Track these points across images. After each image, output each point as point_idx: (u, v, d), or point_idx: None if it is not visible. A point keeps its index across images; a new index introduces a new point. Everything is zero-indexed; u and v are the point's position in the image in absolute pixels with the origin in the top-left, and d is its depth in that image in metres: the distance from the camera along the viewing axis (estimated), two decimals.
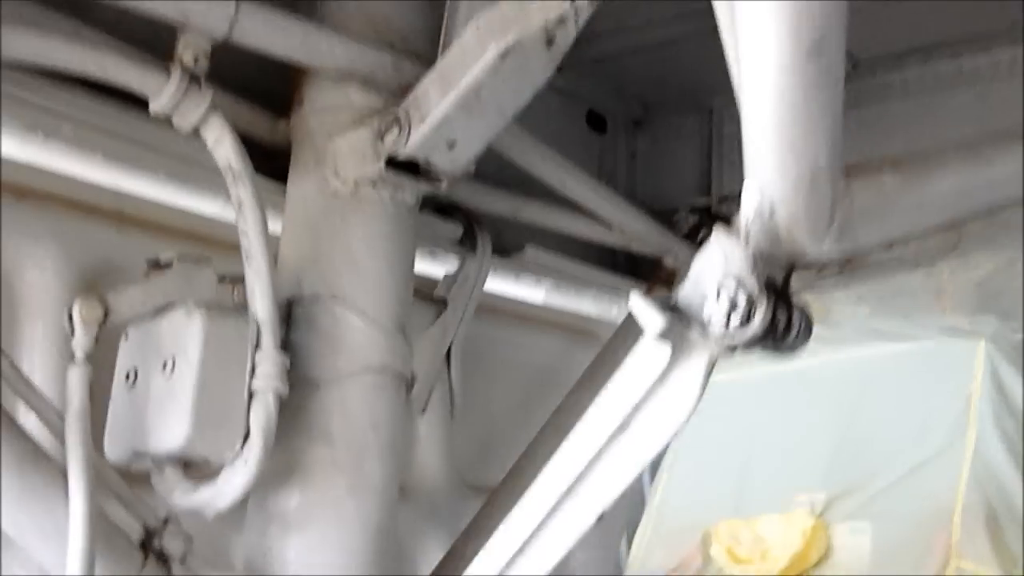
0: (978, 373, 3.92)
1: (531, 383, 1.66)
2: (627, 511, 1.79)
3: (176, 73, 0.88)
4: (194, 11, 0.89)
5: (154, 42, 0.93)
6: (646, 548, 6.40)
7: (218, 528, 1.00)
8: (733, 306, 0.65)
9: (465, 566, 0.88)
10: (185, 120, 0.89)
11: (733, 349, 0.71)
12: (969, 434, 5.05)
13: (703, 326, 0.69)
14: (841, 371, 5.02)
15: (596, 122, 1.79)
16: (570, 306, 1.74)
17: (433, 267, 1.49)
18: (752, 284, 0.65)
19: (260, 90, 1.13)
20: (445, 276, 1.44)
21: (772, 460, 5.61)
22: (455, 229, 1.40)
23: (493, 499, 1.26)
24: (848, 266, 1.50)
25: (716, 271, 0.69)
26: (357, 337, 0.97)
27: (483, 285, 1.42)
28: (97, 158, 1.07)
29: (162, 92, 0.87)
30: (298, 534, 0.91)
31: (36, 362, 1.00)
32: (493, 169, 1.36)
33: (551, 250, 1.58)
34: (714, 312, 0.65)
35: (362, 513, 0.93)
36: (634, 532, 6.54)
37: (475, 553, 0.85)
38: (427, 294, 1.45)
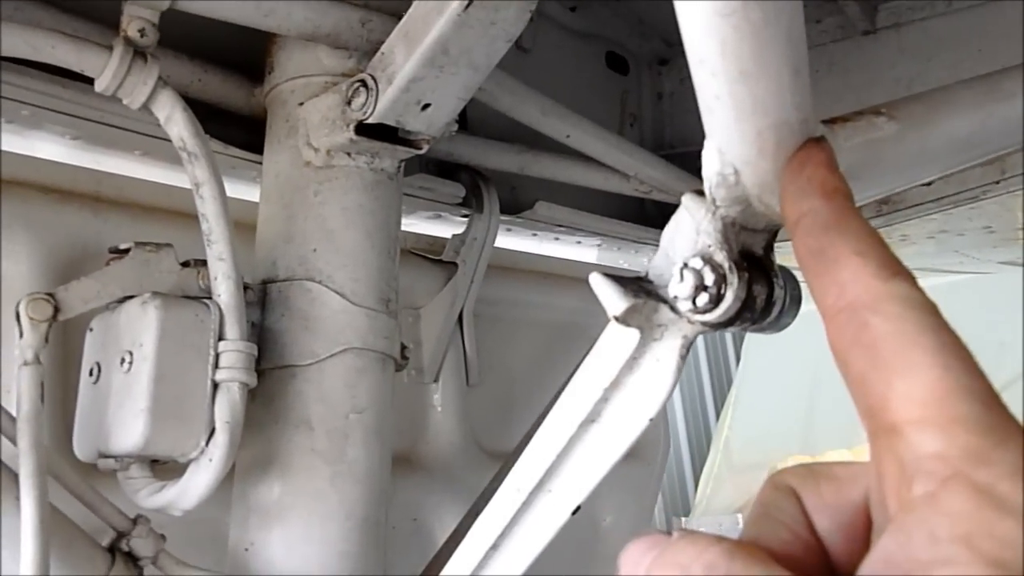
0: None
1: (553, 342, 1.60)
2: (664, 454, 1.72)
3: (118, 49, 0.82)
4: None
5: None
6: (713, 486, 6.38)
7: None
8: (700, 285, 0.57)
9: None
10: (132, 98, 0.84)
11: (711, 327, 0.64)
12: None
13: (673, 305, 0.61)
14: None
15: (617, 63, 1.70)
16: (596, 260, 1.67)
17: (442, 229, 1.43)
18: (722, 258, 0.57)
19: (241, 58, 1.07)
20: (453, 237, 1.38)
21: (838, 394, 5.49)
22: (460, 190, 1.34)
23: (504, 471, 1.22)
24: (886, 207, 1.40)
25: (687, 242, 0.61)
26: (335, 317, 0.92)
27: (492, 245, 1.36)
28: (65, 140, 1.03)
29: (104, 69, 0.82)
30: (280, 527, 0.87)
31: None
32: (507, 124, 1.29)
33: (577, 205, 1.51)
34: (679, 292, 0.58)
35: (346, 503, 0.88)
36: (701, 470, 6.51)
37: None
38: (437, 257, 1.39)
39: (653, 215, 1.70)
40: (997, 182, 1.24)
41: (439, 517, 1.34)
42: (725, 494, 6.16)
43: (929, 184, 1.30)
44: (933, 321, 0.33)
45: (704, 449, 6.82)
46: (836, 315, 0.35)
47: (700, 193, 0.62)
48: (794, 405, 5.86)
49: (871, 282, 0.34)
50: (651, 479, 1.70)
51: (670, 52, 1.75)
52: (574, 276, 1.63)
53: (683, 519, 6.00)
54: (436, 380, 1.36)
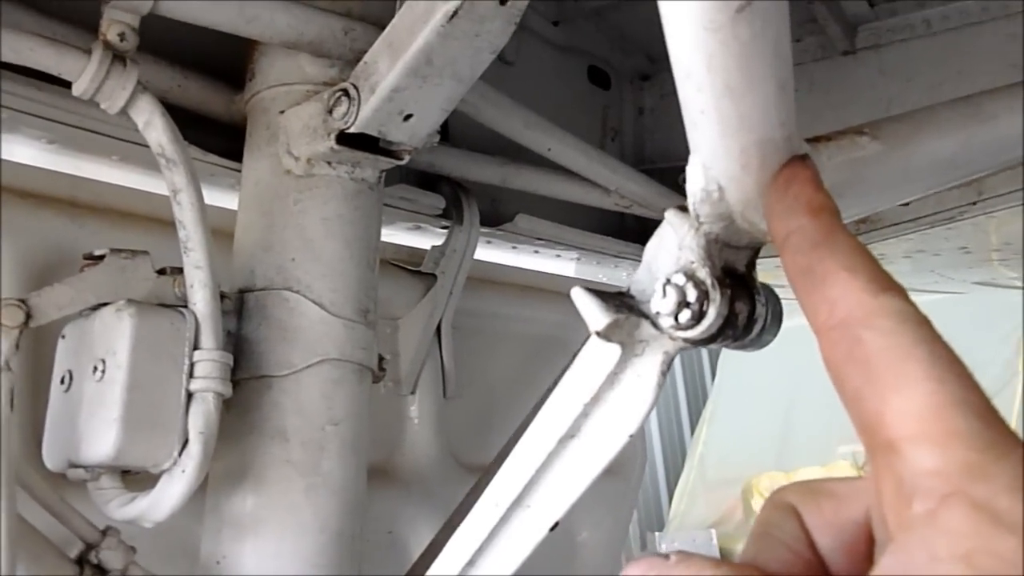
0: None
1: (532, 355, 1.60)
2: (641, 470, 1.72)
3: (97, 53, 0.81)
4: None
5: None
6: (687, 501, 6.38)
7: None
8: (683, 301, 0.57)
9: None
10: (111, 102, 0.83)
11: (693, 344, 0.63)
12: (1018, 380, 4.91)
13: (655, 321, 0.61)
14: None
15: (599, 78, 1.70)
16: (574, 274, 1.67)
17: (422, 240, 1.43)
18: (704, 275, 0.57)
19: (221, 65, 1.07)
20: (432, 248, 1.37)
21: (813, 411, 5.52)
22: (441, 201, 1.33)
23: (480, 484, 1.21)
24: (864, 226, 1.41)
25: (669, 259, 0.61)
26: (313, 328, 0.91)
27: (472, 257, 1.35)
28: (41, 144, 1.02)
29: (83, 74, 0.81)
30: (252, 539, 0.86)
31: None
32: (489, 137, 1.29)
33: (559, 220, 1.51)
34: (661, 308, 0.57)
35: (320, 516, 0.87)
36: (675, 485, 6.51)
37: None
38: (416, 268, 1.39)
39: (633, 229, 1.71)
40: (974, 203, 1.25)
41: (414, 530, 1.33)
42: (699, 509, 6.17)
43: (907, 204, 1.31)
44: (926, 334, 0.32)
45: (679, 464, 6.83)
46: (828, 332, 0.35)
47: (683, 209, 0.61)
48: (769, 422, 5.89)
49: (862, 297, 0.34)
50: (627, 494, 1.69)
51: (652, 68, 1.76)
52: (553, 289, 1.63)
53: (657, 534, 6.00)
54: (413, 392, 1.35)
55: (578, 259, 1.69)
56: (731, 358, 6.35)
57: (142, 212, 1.12)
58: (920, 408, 0.30)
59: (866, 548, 0.35)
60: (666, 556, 0.33)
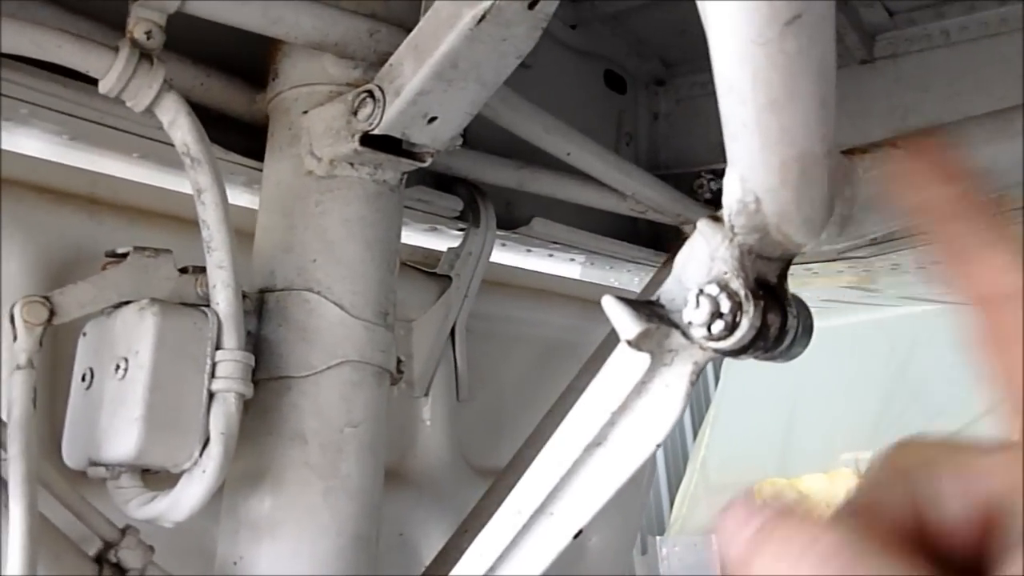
0: None
1: (546, 360, 1.59)
2: (650, 474, 1.71)
3: (124, 50, 0.81)
4: None
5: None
6: (688, 506, 6.37)
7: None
8: (716, 311, 0.57)
9: (460, 557, 0.82)
10: (137, 100, 0.83)
11: (722, 354, 0.63)
12: None
13: (685, 331, 0.61)
14: (889, 327, 4.89)
15: (615, 82, 1.70)
16: (588, 278, 1.67)
17: (437, 242, 1.42)
18: (738, 286, 0.57)
19: (244, 64, 1.06)
20: (448, 251, 1.37)
21: (817, 418, 5.52)
22: (457, 203, 1.33)
23: (494, 489, 1.21)
24: (880, 235, 1.40)
25: (700, 270, 0.61)
26: (333, 329, 0.91)
27: (487, 259, 1.35)
28: (62, 139, 1.02)
29: (109, 71, 0.81)
30: (269, 542, 0.86)
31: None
32: (504, 139, 1.29)
33: (571, 223, 1.51)
34: (694, 318, 0.57)
35: (338, 519, 0.87)
36: (677, 489, 6.51)
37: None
38: (431, 270, 1.38)
39: (645, 234, 1.70)
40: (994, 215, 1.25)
41: (425, 533, 1.33)
42: (701, 514, 6.16)
43: None
44: None
45: (680, 468, 6.82)
46: (987, 304, 0.34)
47: (715, 219, 0.61)
48: (772, 427, 5.88)
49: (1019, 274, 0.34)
50: (637, 498, 1.69)
51: (667, 73, 1.76)
52: (566, 293, 1.63)
53: (658, 538, 5.99)
54: (426, 394, 1.35)
55: (585, 263, 1.69)
56: (735, 364, 6.34)
57: (161, 210, 1.12)
58: None
59: (988, 523, 0.33)
60: (762, 504, 0.32)
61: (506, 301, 1.57)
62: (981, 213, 0.38)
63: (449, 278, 1.36)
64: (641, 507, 1.70)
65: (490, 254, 1.35)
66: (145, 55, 0.83)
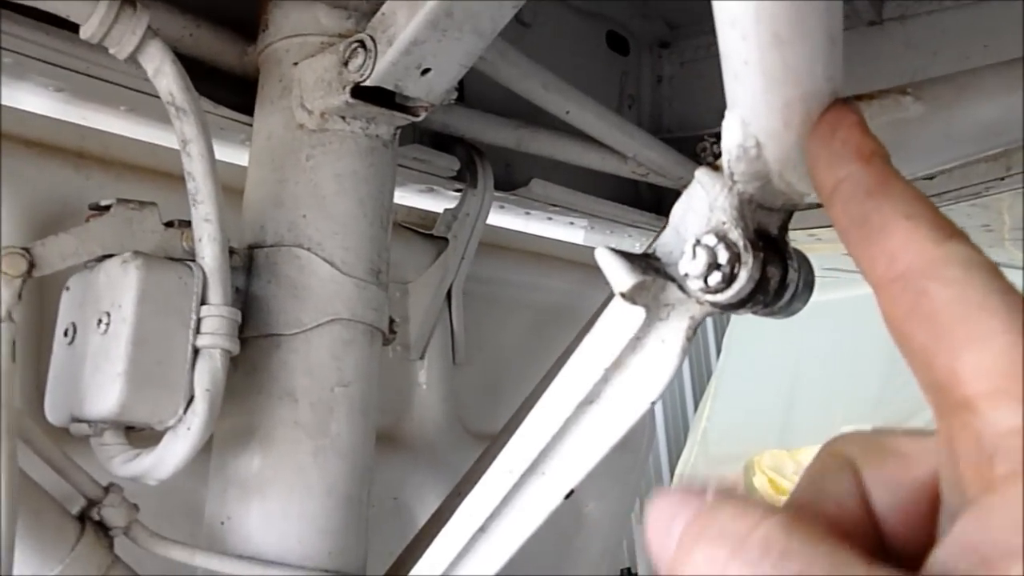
0: None
1: (546, 324, 1.57)
2: (649, 442, 1.70)
3: None
4: None
5: None
6: (689, 475, 6.38)
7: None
8: (713, 263, 0.54)
9: None
10: (120, 47, 0.80)
11: (719, 308, 0.61)
12: None
13: (682, 284, 0.58)
14: None
15: (618, 43, 1.66)
16: (583, 242, 1.64)
17: (434, 203, 1.40)
18: (736, 236, 0.54)
19: (235, 15, 1.04)
20: (445, 212, 1.34)
21: (818, 390, 5.51)
22: (454, 163, 1.30)
23: (488, 452, 1.19)
24: None
25: (698, 220, 0.58)
26: (324, 286, 0.89)
27: (485, 221, 1.33)
28: (49, 92, 0.99)
29: (91, 16, 0.78)
30: (258, 501, 0.84)
31: None
32: (504, 99, 1.26)
33: (573, 187, 1.48)
34: (690, 270, 0.55)
35: (328, 479, 0.85)
36: (677, 460, 6.52)
37: None
38: (428, 232, 1.36)
39: (647, 198, 1.68)
40: (1002, 178, 1.22)
41: (420, 497, 1.31)
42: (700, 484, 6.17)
43: (931, 178, 1.27)
44: (998, 284, 0.30)
45: (681, 439, 6.83)
46: (889, 285, 0.32)
47: (715, 168, 0.59)
48: (773, 399, 5.88)
49: (925, 246, 0.31)
50: (635, 466, 1.67)
51: (672, 35, 1.72)
52: (566, 258, 1.60)
53: None
54: (422, 357, 1.33)
55: (588, 227, 1.67)
56: (737, 334, 6.33)
57: (149, 165, 1.10)
58: (997, 363, 0.28)
59: (927, 509, 0.32)
60: (702, 491, 0.30)
61: (506, 265, 1.55)
62: (899, 187, 0.35)
63: (446, 240, 1.34)
64: (639, 475, 1.69)
65: (487, 215, 1.33)
66: (128, 0, 0.80)
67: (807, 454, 5.33)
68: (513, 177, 1.44)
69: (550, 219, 1.56)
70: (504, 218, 1.53)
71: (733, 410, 6.15)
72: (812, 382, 5.63)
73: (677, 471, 6.44)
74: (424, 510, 1.30)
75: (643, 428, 1.70)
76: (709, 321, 7.44)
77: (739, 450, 5.88)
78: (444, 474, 1.30)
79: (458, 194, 1.35)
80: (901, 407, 4.78)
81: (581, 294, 1.56)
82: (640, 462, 1.68)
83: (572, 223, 1.60)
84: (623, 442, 1.47)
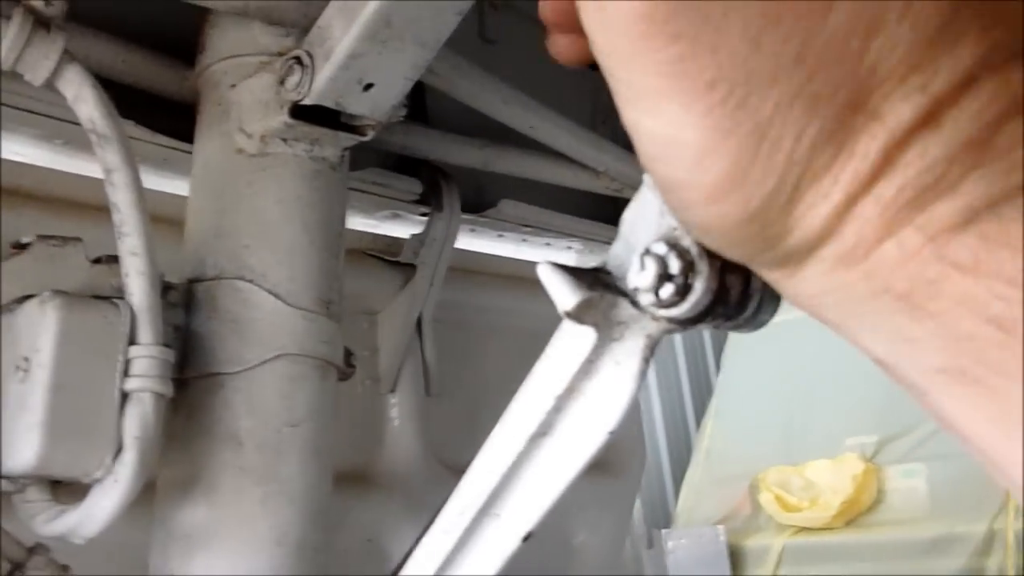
0: None
1: (522, 350, 1.51)
2: (640, 467, 1.64)
3: (17, 17, 0.73)
4: None
5: None
6: (695, 497, 6.30)
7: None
8: (664, 274, 0.48)
9: None
10: (35, 73, 0.75)
11: (678, 324, 0.55)
12: None
13: (634, 299, 0.53)
14: None
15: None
16: (580, 264, 1.59)
17: (401, 230, 1.35)
18: (689, 243, 0.49)
19: (171, 39, 0.99)
20: (411, 237, 1.29)
21: (821, 404, 5.44)
22: (417, 185, 1.25)
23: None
24: None
25: (649, 228, 0.53)
26: (268, 320, 0.83)
27: (453, 245, 1.27)
28: None
29: (1, 40, 0.73)
30: (203, 555, 0.78)
31: None
32: (471, 120, 1.21)
33: (550, 206, 1.43)
34: (640, 283, 0.49)
35: (278, 527, 0.79)
36: (681, 481, 6.43)
37: None
38: (395, 259, 1.31)
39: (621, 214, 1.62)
40: None
41: (397, 538, 1.25)
42: (706, 505, 6.08)
43: None
44: None
45: (684, 459, 6.74)
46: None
47: None
48: (776, 415, 5.80)
49: None
50: (626, 494, 1.61)
51: None
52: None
53: (663, 531, 5.92)
54: (393, 391, 1.27)
55: (570, 248, 1.61)
56: (735, 350, 6.26)
57: (79, 199, 1.04)
58: None
59: None
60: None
61: (483, 290, 1.50)
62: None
63: (413, 267, 1.28)
64: (631, 502, 1.62)
65: (455, 239, 1.27)
66: (42, 23, 0.75)
67: (813, 469, 5.25)
68: (486, 200, 1.39)
69: (524, 240, 1.50)
70: (477, 241, 1.47)
71: (735, 428, 6.08)
72: (814, 395, 5.56)
73: (682, 493, 6.35)
74: (401, 551, 1.23)
75: (633, 454, 1.63)
76: (707, 338, 7.36)
77: (744, 469, 5.80)
78: (421, 513, 1.23)
79: (424, 219, 1.29)
80: (902, 417, 4.71)
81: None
82: (631, 490, 1.61)
83: (548, 244, 1.55)
84: (610, 469, 1.40)
